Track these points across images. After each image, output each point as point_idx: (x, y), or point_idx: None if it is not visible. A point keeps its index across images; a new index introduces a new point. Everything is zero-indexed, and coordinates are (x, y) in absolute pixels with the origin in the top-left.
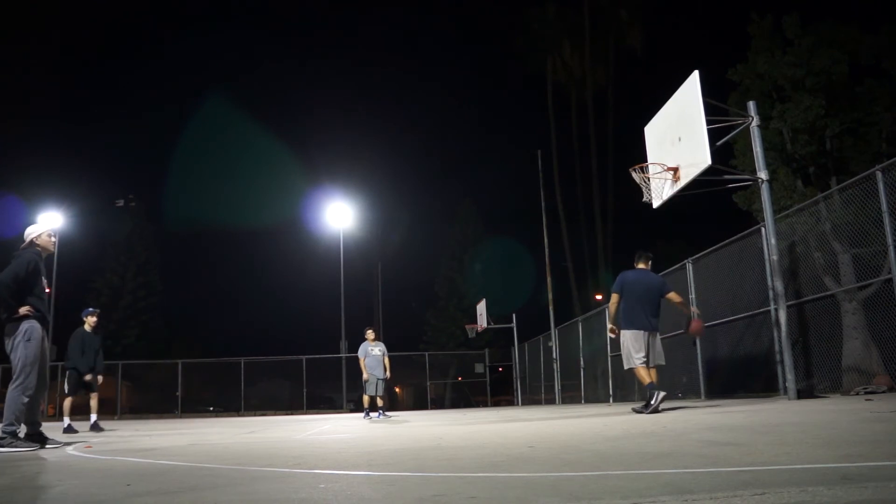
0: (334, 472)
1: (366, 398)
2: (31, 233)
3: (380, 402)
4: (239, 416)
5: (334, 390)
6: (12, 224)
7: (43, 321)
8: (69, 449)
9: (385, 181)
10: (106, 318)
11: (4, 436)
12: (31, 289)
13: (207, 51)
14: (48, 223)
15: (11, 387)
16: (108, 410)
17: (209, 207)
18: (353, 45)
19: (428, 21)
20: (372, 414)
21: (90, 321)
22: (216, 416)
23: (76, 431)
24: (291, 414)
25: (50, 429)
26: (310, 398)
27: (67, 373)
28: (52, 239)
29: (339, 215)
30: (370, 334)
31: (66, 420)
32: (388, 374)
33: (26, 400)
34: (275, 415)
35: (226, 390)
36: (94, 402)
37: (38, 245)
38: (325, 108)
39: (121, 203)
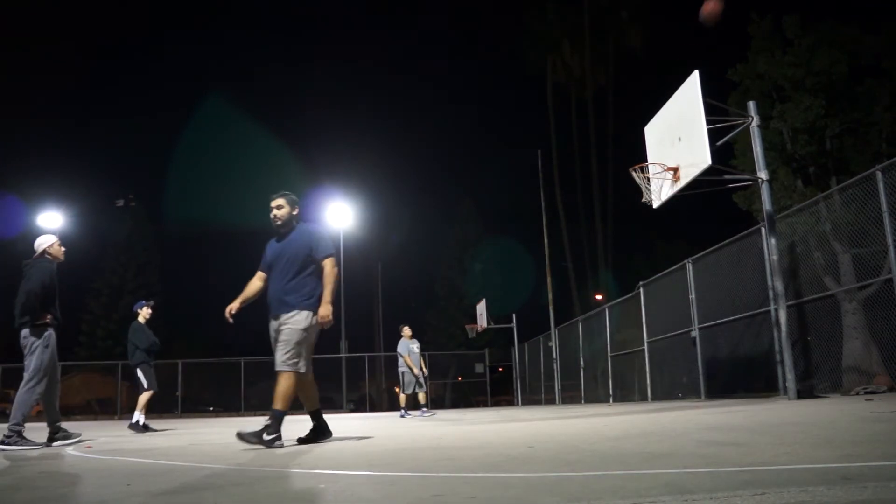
0: (334, 472)
1: (403, 397)
2: (42, 243)
3: (422, 399)
4: (239, 416)
5: (334, 390)
6: (12, 224)
7: (58, 329)
8: (69, 449)
9: (385, 181)
10: (106, 319)
11: (11, 434)
12: (53, 297)
13: (208, 50)
14: (54, 235)
15: (23, 388)
16: (108, 411)
17: (209, 207)
18: (352, 46)
19: (428, 21)
20: (412, 413)
21: (145, 313)
22: (216, 416)
23: (155, 430)
24: (291, 414)
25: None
26: None
27: (141, 368)
28: (62, 248)
29: (339, 215)
30: (407, 331)
31: (141, 417)
32: (425, 371)
33: (35, 402)
34: None
35: (226, 390)
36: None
37: (49, 254)
38: (326, 108)
39: (121, 203)
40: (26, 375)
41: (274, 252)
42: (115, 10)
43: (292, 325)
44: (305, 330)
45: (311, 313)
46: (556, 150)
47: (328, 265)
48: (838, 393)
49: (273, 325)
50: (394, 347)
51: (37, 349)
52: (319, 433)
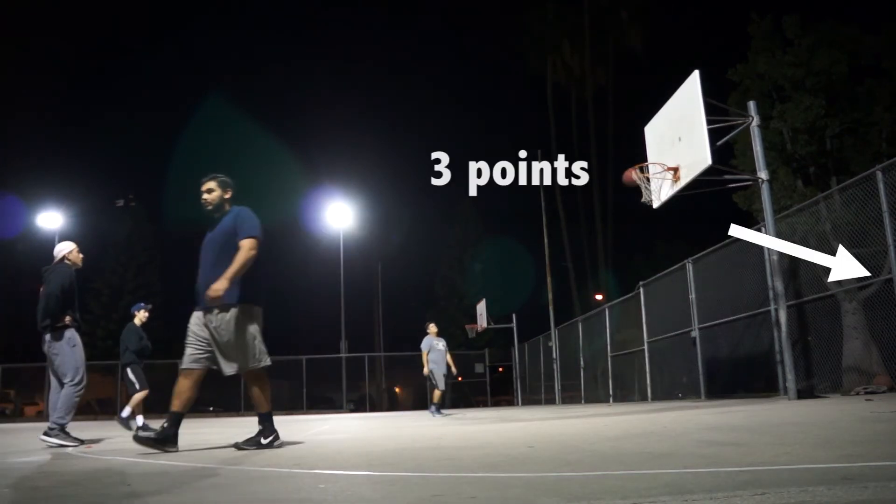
0: (334, 472)
1: (437, 393)
2: (61, 250)
3: (436, 397)
4: (239, 416)
5: (334, 390)
6: (12, 224)
7: (79, 330)
8: (69, 449)
9: (385, 181)
10: (106, 319)
11: (55, 426)
12: (72, 301)
13: (208, 50)
14: (73, 242)
15: (67, 385)
16: (108, 411)
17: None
18: (353, 46)
19: (428, 21)
20: (437, 409)
21: (141, 316)
22: (216, 416)
23: (152, 429)
24: (291, 414)
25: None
26: (310, 398)
27: (130, 368)
28: (81, 255)
29: (339, 215)
30: (433, 328)
31: (141, 419)
32: (454, 369)
33: (78, 399)
34: (274, 415)
35: (226, 390)
36: (138, 397)
37: (68, 260)
38: (326, 109)
39: (121, 203)
40: (66, 378)
41: (205, 240)
42: (115, 10)
43: (232, 328)
44: (247, 329)
45: (246, 305)
46: (555, 150)
47: (245, 245)
48: (838, 393)
49: (199, 318)
50: (394, 348)
51: (62, 351)
52: (164, 441)
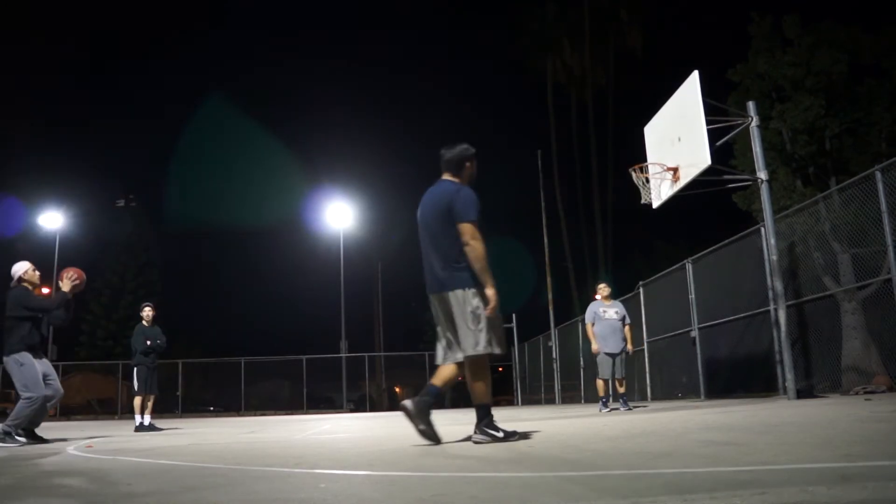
0: (334, 472)
1: (599, 383)
2: (16, 271)
3: (620, 388)
4: (239, 416)
5: (334, 390)
6: (12, 224)
7: (33, 348)
8: (70, 448)
9: (385, 181)
10: (106, 319)
11: (8, 429)
12: (37, 321)
13: (208, 51)
14: (26, 262)
15: (22, 397)
16: (108, 411)
17: (209, 208)
18: (353, 46)
19: (428, 22)
20: (611, 404)
21: (146, 315)
22: (216, 416)
23: (160, 429)
24: (291, 414)
25: (50, 428)
26: (310, 398)
27: (136, 370)
28: (37, 273)
29: (339, 215)
30: (603, 289)
31: (139, 418)
32: (629, 346)
33: (28, 412)
34: (275, 415)
35: (226, 390)
36: (150, 403)
37: (24, 281)
38: (326, 109)
39: (121, 203)
40: (21, 393)
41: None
42: (116, 10)
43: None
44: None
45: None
46: (556, 151)
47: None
48: (838, 393)
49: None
50: (394, 347)
51: (12, 370)
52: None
